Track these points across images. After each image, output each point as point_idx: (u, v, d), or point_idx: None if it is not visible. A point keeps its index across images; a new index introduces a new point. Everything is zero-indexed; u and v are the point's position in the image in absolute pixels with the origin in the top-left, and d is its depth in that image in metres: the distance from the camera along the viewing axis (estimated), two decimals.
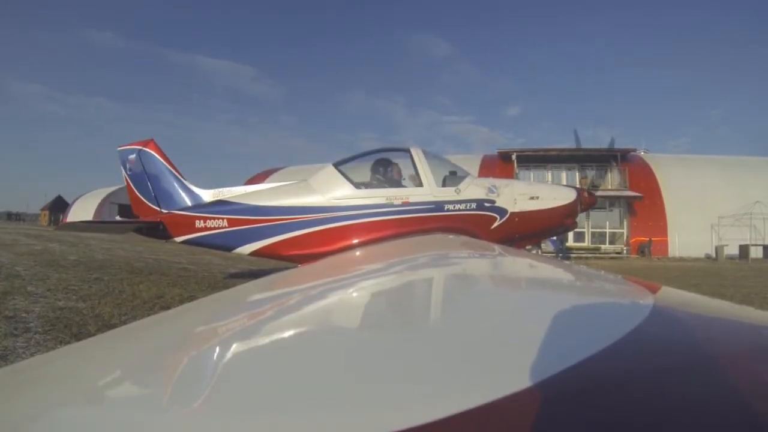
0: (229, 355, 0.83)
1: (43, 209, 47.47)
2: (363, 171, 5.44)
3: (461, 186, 5.30)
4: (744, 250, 20.40)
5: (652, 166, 25.01)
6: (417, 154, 5.33)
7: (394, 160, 5.52)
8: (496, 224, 5.30)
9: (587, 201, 6.03)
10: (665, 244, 22.57)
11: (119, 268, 8.88)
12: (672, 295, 1.12)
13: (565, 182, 24.52)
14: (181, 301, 5.80)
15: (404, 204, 5.15)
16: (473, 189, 5.33)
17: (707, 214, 21.93)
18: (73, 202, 44.12)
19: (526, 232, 5.51)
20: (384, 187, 5.31)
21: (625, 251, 23.02)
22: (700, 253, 21.55)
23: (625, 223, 24.19)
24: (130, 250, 14.23)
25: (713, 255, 20.71)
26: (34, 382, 0.79)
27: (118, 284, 6.86)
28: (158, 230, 5.90)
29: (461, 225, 5.10)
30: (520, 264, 2.18)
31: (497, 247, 3.13)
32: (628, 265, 17.03)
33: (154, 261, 11.12)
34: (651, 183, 24.08)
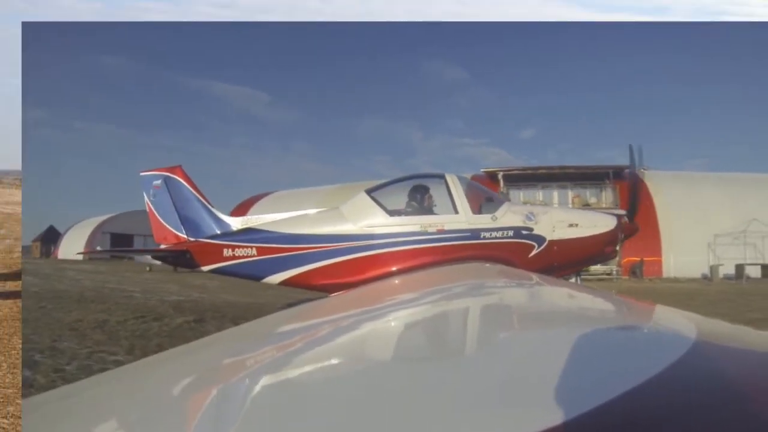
0: (257, 387, 0.83)
1: (35, 240, 43.90)
2: (396, 198, 5.33)
3: (498, 213, 5.21)
4: (739, 269, 19.85)
5: (646, 183, 24.49)
6: (452, 181, 5.24)
7: (429, 187, 5.40)
8: (533, 253, 5.18)
9: (628, 229, 5.84)
10: (659, 264, 21.92)
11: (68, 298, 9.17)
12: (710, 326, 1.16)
13: (556, 201, 23.96)
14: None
15: (439, 232, 5.03)
16: (510, 216, 5.24)
17: (704, 232, 21.45)
18: (65, 233, 43.19)
19: (565, 261, 5.38)
20: (418, 214, 5.20)
21: (615, 272, 22.23)
22: (696, 273, 21.04)
23: None
24: (100, 280, 14.61)
25: (709, 275, 20.10)
26: (64, 411, 0.83)
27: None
28: (184, 259, 5.80)
29: (498, 253, 5.01)
30: (558, 294, 2.13)
31: (535, 276, 3.07)
32: (614, 287, 15.99)
33: (109, 290, 11.08)
34: (644, 200, 23.47)
